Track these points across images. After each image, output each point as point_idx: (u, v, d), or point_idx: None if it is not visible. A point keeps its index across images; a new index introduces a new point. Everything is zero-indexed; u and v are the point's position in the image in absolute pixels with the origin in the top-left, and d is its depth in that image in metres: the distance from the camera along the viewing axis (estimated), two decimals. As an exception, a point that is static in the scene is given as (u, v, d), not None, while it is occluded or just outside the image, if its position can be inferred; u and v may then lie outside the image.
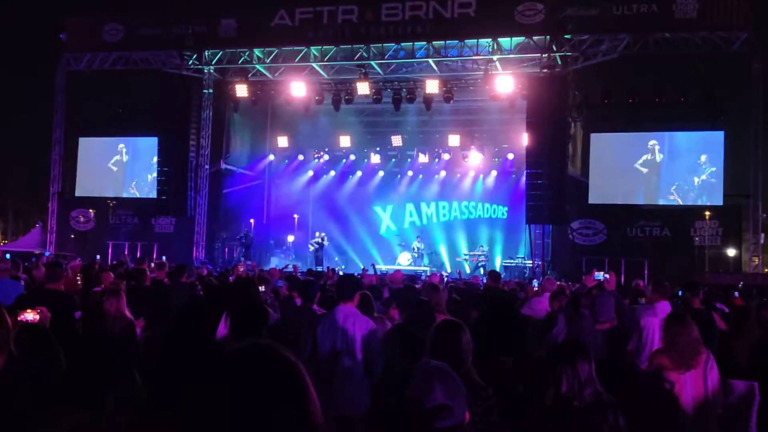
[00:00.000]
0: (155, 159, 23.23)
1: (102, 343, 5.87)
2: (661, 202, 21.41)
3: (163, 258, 17.74)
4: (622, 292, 9.51)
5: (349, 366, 5.39)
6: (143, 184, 25.19)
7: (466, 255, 24.10)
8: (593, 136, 22.09)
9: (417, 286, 9.96)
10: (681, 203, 21.16)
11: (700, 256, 20.79)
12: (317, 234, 24.53)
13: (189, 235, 23.27)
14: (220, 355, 1.54)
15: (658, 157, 21.44)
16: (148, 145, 24.32)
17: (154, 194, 23.48)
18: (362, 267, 17.71)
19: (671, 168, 21.32)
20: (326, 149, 27.11)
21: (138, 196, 25.23)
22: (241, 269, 10.75)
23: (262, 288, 7.39)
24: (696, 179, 21.12)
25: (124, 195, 25.46)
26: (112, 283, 8.26)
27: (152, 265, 12.86)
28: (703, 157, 21.06)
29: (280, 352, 1.54)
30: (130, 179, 25.50)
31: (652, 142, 21.49)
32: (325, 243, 24.18)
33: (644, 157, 21.49)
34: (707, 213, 20.77)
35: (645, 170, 21.49)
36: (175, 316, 5.38)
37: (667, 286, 7.54)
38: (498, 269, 23.71)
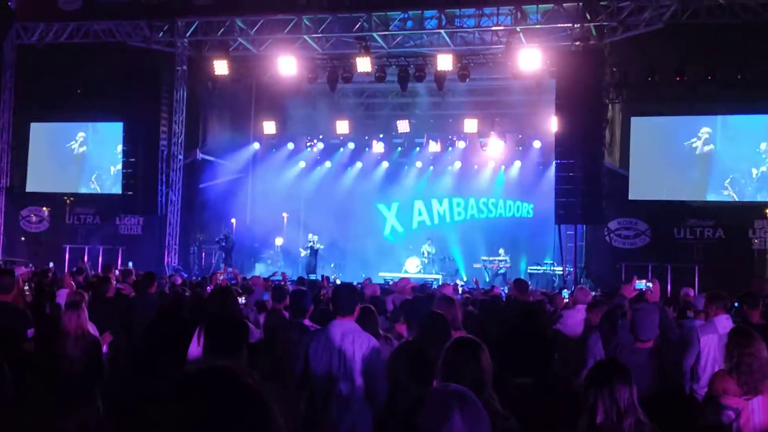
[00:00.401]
0: (120, 148, 23.24)
1: (58, 365, 5.87)
2: (714, 198, 21.36)
3: (130, 264, 17.78)
4: (668, 303, 9.48)
5: (347, 392, 5.36)
6: (106, 178, 25.20)
7: (484, 261, 24.04)
8: (634, 120, 22.04)
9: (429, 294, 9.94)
10: (737, 199, 21.11)
11: (759, 261, 20.75)
12: (310, 237, 24.52)
13: (160, 238, 23.25)
14: (173, 379, 1.53)
15: (710, 145, 21.41)
16: (112, 131, 24.27)
17: (118, 189, 23.49)
18: (363, 276, 17.67)
19: (725, 158, 21.29)
20: (320, 137, 27.08)
21: (100, 191, 25.26)
22: (221, 278, 10.75)
23: (242, 300, 7.38)
24: (754, 171, 21.07)
25: (84, 190, 25.47)
26: (72, 294, 8.27)
27: (116, 272, 12.85)
28: (763, 145, 21.00)
29: (242, 377, 1.52)
30: (91, 172, 25.51)
31: (704, 128, 21.45)
32: (319, 248, 24.14)
33: (694, 145, 21.45)
34: (768, 210, 20.75)
35: (694, 160, 21.46)
36: (140, 334, 5.39)
37: (726, 296, 7.51)
38: (522, 277, 23.74)
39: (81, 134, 25.58)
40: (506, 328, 8.05)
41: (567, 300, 10.99)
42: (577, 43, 19.70)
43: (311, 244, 24.12)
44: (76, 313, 6.30)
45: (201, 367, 1.54)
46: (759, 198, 21.00)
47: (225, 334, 4.72)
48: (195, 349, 5.28)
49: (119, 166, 23.44)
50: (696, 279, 19.34)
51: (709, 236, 21.01)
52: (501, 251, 23.84)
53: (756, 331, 5.84)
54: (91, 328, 6.48)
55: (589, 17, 19.81)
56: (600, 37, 20.01)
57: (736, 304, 9.60)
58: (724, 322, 6.88)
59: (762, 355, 4.77)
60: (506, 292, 14.30)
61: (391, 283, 16.19)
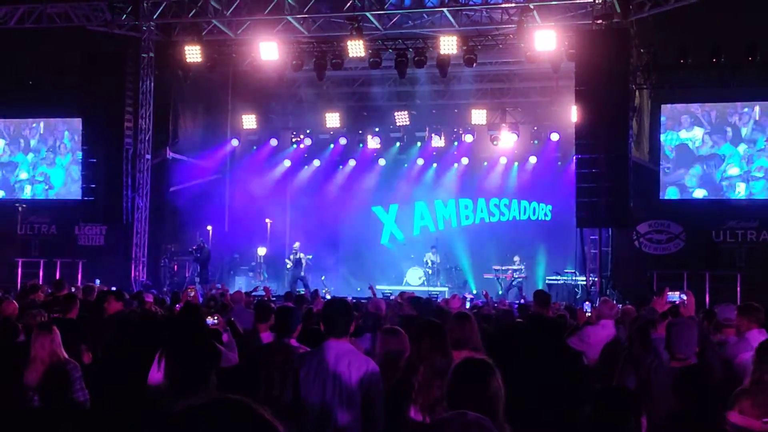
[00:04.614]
0: (79, 147, 23.16)
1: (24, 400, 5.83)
2: (757, 196, 21.37)
3: (97, 282, 17.71)
4: (705, 319, 9.46)
5: (344, 421, 5.37)
6: (63, 181, 25.13)
7: (496, 270, 24.03)
8: (665, 108, 22.04)
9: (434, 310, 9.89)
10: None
11: (811, 268, 20.74)
12: (294, 246, 24.49)
13: (125, 249, 23.25)
14: (166, 420, 1.49)
15: (753, 135, 21.45)
16: (69, 128, 24.22)
17: (77, 194, 23.45)
18: (359, 290, 17.63)
19: (769, 150, 21.40)
20: (308, 131, 27.09)
21: (56, 197, 25.16)
22: (191, 293, 10.70)
23: (213, 320, 7.34)
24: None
25: (37, 196, 25.40)
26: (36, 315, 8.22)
27: (73, 289, 12.82)
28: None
29: (255, 409, 1.50)
30: (45, 175, 25.44)
31: (744, 114, 21.49)
32: (306, 258, 24.05)
33: (733, 135, 21.52)
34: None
35: (734, 153, 21.50)
36: (102, 355, 5.37)
37: (760, 308, 7.50)
38: (541, 288, 23.72)
39: (33, 131, 25.51)
40: (524, 348, 8.02)
41: (589, 314, 10.94)
42: (599, 21, 19.71)
43: (295, 254, 24.03)
44: (48, 338, 6.22)
45: (206, 400, 1.51)
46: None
47: (188, 359, 4.67)
48: (155, 374, 5.24)
49: (78, 168, 23.41)
50: (738, 288, 19.33)
51: (752, 239, 21.01)
52: (515, 259, 23.83)
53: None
54: (64, 353, 6.40)
55: (612, -9, 19.83)
56: (625, 13, 19.98)
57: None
58: (759, 338, 6.88)
59: None
60: (519, 305, 14.26)
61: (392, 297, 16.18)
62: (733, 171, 21.69)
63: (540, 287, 23.23)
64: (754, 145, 21.55)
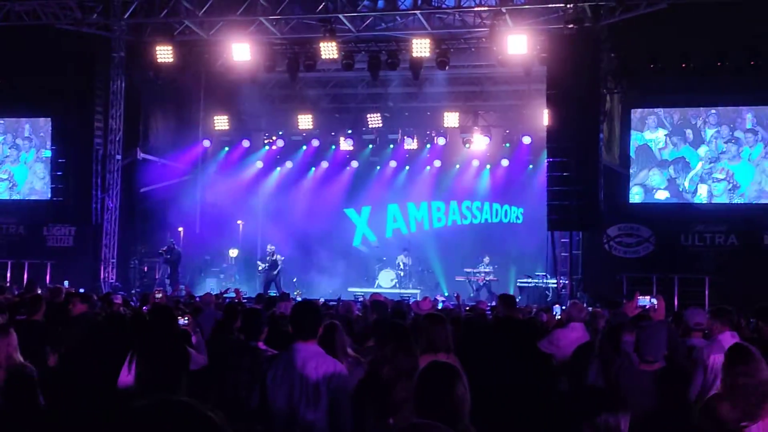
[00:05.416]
0: (43, 144, 22.93)
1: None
2: (725, 200, 21.55)
3: (65, 283, 17.53)
4: (673, 322, 9.52)
5: (311, 424, 5.36)
6: (31, 182, 24.89)
7: (468, 273, 24.09)
8: (635, 112, 22.16)
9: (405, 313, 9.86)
10: (751, 201, 21.31)
11: (778, 272, 20.92)
12: (269, 247, 24.42)
13: (94, 250, 23.07)
14: (120, 417, 1.46)
15: (716, 138, 21.65)
16: (38, 128, 24.00)
17: (46, 195, 23.29)
18: (331, 291, 17.50)
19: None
20: (280, 133, 27.05)
21: (24, 197, 24.91)
22: (159, 295, 10.60)
23: (184, 320, 7.28)
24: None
25: (4, 196, 25.12)
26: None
27: (40, 291, 12.68)
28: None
29: (200, 410, 1.45)
30: (9, 173, 25.16)
31: (707, 117, 21.68)
32: (280, 260, 24.00)
33: (694, 138, 21.73)
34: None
35: (694, 156, 21.70)
36: (64, 357, 5.27)
37: (731, 311, 7.57)
38: (511, 291, 23.78)
39: (0, 131, 25.27)
40: (493, 350, 8.00)
41: (558, 316, 10.98)
42: (571, 25, 19.77)
43: (271, 256, 23.98)
44: (5, 340, 6.08)
45: (157, 401, 1.49)
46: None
47: (159, 361, 4.62)
48: (126, 377, 5.18)
49: (47, 168, 23.14)
50: (706, 292, 19.47)
51: (720, 243, 21.17)
52: (486, 261, 23.90)
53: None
54: (20, 357, 6.28)
55: (583, -4, 19.90)
56: (596, 18, 20.09)
57: (751, 322, 9.68)
58: (730, 340, 6.93)
59: (760, 376, 4.75)
60: (492, 307, 14.28)
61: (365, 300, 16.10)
62: (695, 173, 21.85)
63: (511, 290, 23.38)
64: (716, 147, 21.72)
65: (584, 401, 3.84)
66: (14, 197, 25.16)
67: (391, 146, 26.69)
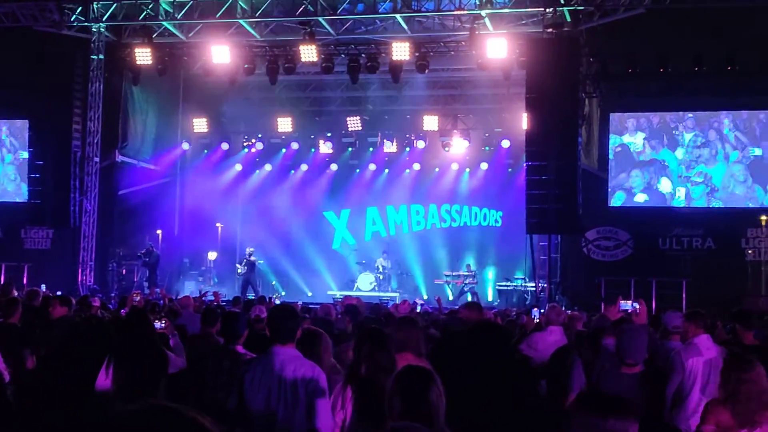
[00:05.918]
0: (21, 147, 22.76)
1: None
2: (702, 204, 21.69)
3: (43, 287, 17.37)
4: (651, 325, 9.56)
5: (289, 427, 5.36)
6: (8, 184, 24.70)
7: (447, 276, 24.12)
8: (613, 116, 22.27)
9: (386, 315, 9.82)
10: (727, 205, 21.46)
11: (754, 274, 21.09)
12: (248, 250, 24.35)
13: (72, 253, 22.90)
14: (110, 424, 1.45)
15: (694, 141, 21.82)
16: (16, 130, 23.82)
17: (23, 197, 23.15)
18: (309, 294, 17.50)
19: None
20: (259, 135, 26.94)
21: (1, 199, 24.67)
22: (137, 298, 10.53)
23: (161, 324, 7.22)
24: (745, 174, 21.49)
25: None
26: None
27: (16, 294, 12.53)
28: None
29: (189, 414, 1.46)
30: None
31: (686, 120, 21.84)
32: (258, 262, 23.97)
33: (671, 141, 21.88)
34: (763, 218, 21.10)
35: (672, 159, 21.86)
36: (42, 361, 5.21)
37: (705, 314, 7.65)
38: (492, 294, 23.85)
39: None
40: (466, 354, 7.98)
41: (537, 320, 11.00)
42: (550, 29, 19.86)
43: (248, 257, 23.90)
44: None
45: (143, 406, 1.48)
46: (752, 204, 21.36)
47: (137, 364, 4.56)
48: (103, 381, 5.11)
49: (24, 170, 23.00)
50: (684, 295, 19.56)
51: (697, 246, 21.31)
52: (467, 266, 23.93)
53: (750, 354, 5.87)
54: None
55: (562, 0, 19.98)
56: (575, 23, 20.22)
57: (728, 325, 9.73)
58: (706, 343, 6.99)
59: (761, 382, 4.75)
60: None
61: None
62: (673, 176, 22.00)
63: (490, 293, 23.43)
64: (693, 150, 21.87)
65: (592, 406, 3.79)
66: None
67: (371, 149, 26.66)
